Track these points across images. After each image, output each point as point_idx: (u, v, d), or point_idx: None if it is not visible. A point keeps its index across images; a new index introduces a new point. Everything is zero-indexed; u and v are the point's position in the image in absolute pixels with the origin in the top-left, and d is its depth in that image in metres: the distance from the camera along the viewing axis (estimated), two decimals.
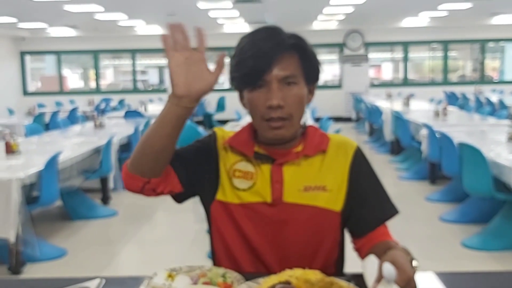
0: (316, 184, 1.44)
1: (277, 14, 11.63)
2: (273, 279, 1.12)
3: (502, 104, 9.95)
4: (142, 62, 17.27)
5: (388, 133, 8.43)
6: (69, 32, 14.00)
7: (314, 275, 1.12)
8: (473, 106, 10.13)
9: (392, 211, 1.49)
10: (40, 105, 12.06)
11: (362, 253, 1.45)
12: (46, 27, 13.23)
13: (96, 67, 15.24)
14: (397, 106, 9.54)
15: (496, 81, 15.70)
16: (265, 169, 1.45)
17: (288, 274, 1.12)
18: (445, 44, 14.69)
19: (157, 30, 13.91)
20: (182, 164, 1.46)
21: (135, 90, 15.20)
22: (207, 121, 13.23)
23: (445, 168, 5.18)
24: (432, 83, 15.42)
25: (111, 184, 5.89)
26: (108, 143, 5.55)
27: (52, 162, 4.23)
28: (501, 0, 10.45)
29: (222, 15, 11.76)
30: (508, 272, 1.76)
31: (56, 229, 5.08)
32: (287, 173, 1.44)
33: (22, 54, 14.77)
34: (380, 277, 1.08)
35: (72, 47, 14.74)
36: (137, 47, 14.73)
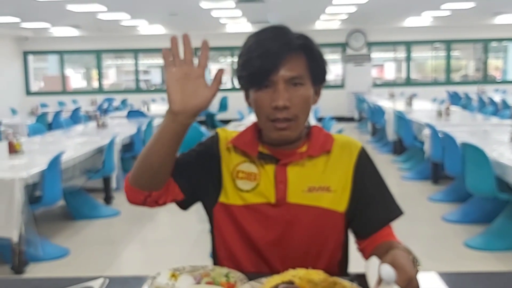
0: (320, 184, 1.44)
1: (280, 14, 11.64)
2: (276, 279, 1.12)
3: (505, 104, 9.93)
4: (145, 62, 17.30)
5: (391, 133, 8.42)
6: (72, 32, 14.02)
7: (317, 275, 1.12)
8: (476, 106, 10.12)
9: (396, 212, 1.49)
10: (43, 105, 12.08)
11: (366, 254, 1.45)
12: (49, 27, 13.26)
13: (99, 67, 15.26)
14: (400, 106, 9.52)
15: (499, 81, 15.67)
16: (269, 169, 1.45)
17: (291, 274, 1.12)
18: (448, 44, 14.67)
19: (160, 30, 13.93)
20: (183, 173, 1.46)
21: (138, 90, 15.22)
22: (210, 121, 13.23)
23: (448, 168, 5.17)
24: (435, 82, 15.40)
25: (113, 184, 5.90)
26: (111, 143, 5.56)
27: (55, 162, 4.24)
28: (504, 0, 10.43)
29: (224, 15, 11.76)
30: (511, 272, 1.75)
31: (59, 228, 5.09)
32: (291, 174, 1.44)
33: (25, 54, 14.79)
34: (380, 279, 1.08)
35: (74, 47, 14.77)
36: (140, 47, 14.75)
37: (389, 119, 8.48)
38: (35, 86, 15.54)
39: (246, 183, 1.45)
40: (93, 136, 6.38)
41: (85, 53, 15.63)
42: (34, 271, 4.02)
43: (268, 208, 1.43)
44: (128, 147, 6.59)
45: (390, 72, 17.38)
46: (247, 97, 1.47)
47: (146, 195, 1.41)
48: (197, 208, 1.58)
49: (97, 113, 8.21)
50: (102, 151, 5.51)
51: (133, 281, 1.38)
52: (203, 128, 6.07)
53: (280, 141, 1.44)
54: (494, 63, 16.41)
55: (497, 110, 9.31)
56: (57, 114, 9.40)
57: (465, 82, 15.25)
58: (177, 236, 4.84)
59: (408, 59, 14.86)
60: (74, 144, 5.66)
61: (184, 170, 1.46)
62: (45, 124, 8.59)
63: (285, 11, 11.28)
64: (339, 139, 1.51)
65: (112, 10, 10.26)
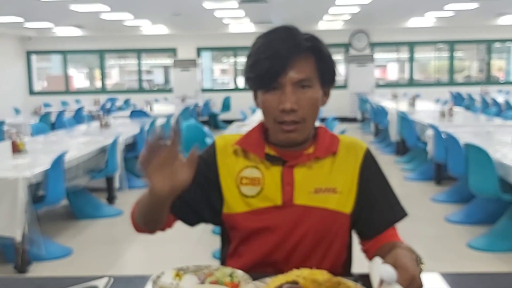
0: (327, 186, 1.43)
1: (283, 14, 11.63)
2: (280, 278, 1.12)
3: (508, 105, 9.92)
4: (148, 62, 17.30)
5: (394, 134, 8.41)
6: (75, 31, 14.04)
7: (321, 275, 1.12)
8: (479, 106, 10.10)
9: (401, 213, 1.49)
10: (46, 105, 12.09)
11: (370, 255, 1.45)
12: (52, 26, 13.28)
13: (102, 67, 15.28)
14: (403, 106, 9.51)
15: (502, 82, 15.63)
16: (275, 171, 1.44)
17: (295, 274, 1.12)
18: (451, 45, 14.66)
19: (163, 30, 13.94)
20: (182, 206, 1.47)
21: (141, 90, 15.24)
22: (212, 121, 13.25)
23: (451, 168, 5.17)
24: (438, 83, 15.38)
25: (116, 184, 5.91)
26: (114, 143, 5.56)
27: (58, 161, 4.24)
28: (507, 0, 10.41)
29: (227, 15, 11.77)
30: None
31: (62, 228, 5.10)
32: (298, 175, 1.43)
33: (28, 53, 14.82)
34: (382, 279, 1.09)
35: (78, 46, 14.79)
36: (143, 47, 14.76)
37: (392, 120, 8.47)
38: (38, 86, 15.56)
39: (251, 189, 1.45)
40: (96, 135, 6.38)
41: (88, 53, 15.65)
42: (37, 270, 4.03)
43: (274, 211, 1.43)
44: (131, 147, 6.60)
45: (393, 73, 17.35)
46: (255, 97, 1.47)
47: (151, 231, 1.48)
48: None
49: (100, 113, 8.21)
50: (105, 151, 5.52)
51: (137, 280, 1.38)
52: (206, 128, 6.07)
53: (287, 143, 1.43)
54: (498, 64, 16.37)
55: (501, 111, 9.28)
56: (60, 114, 9.41)
57: (468, 83, 15.22)
58: (179, 236, 4.83)
59: (411, 59, 14.85)
60: (77, 144, 5.67)
61: (183, 202, 1.46)
62: (48, 123, 8.61)
63: (288, 12, 11.28)
64: (344, 140, 1.51)
65: (115, 10, 10.27)
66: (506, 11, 12.17)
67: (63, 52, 15.04)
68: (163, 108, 10.72)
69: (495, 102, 10.52)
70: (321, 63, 1.41)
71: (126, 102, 13.37)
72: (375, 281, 1.11)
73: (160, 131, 1.24)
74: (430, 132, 6.11)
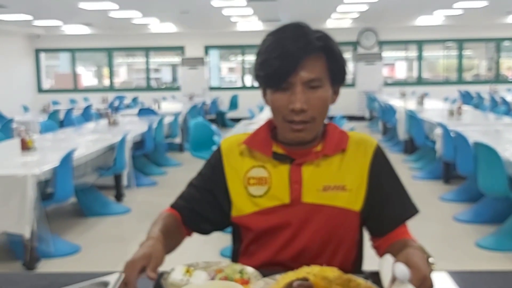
0: (336, 183, 1.42)
1: (291, 12, 11.61)
2: (291, 275, 1.12)
3: None
4: (156, 60, 17.34)
5: (402, 132, 8.39)
6: (84, 29, 14.08)
7: (332, 272, 1.12)
8: (488, 105, 10.05)
9: (412, 210, 1.48)
10: (55, 103, 12.15)
11: (381, 252, 1.44)
12: (61, 24, 13.33)
13: (110, 65, 15.33)
14: (411, 105, 9.47)
15: (511, 80, 15.55)
16: (283, 169, 1.44)
17: (305, 271, 1.12)
18: (460, 43, 14.59)
19: (171, 28, 13.95)
20: (194, 217, 1.52)
21: (149, 88, 15.27)
22: (220, 119, 13.26)
23: (460, 167, 5.14)
24: (447, 82, 15.31)
25: (124, 181, 5.93)
26: (122, 141, 5.58)
27: (67, 159, 4.26)
28: None
29: (235, 13, 11.76)
30: None
31: (70, 225, 5.12)
32: (306, 173, 1.43)
33: (37, 51, 14.88)
34: (395, 277, 1.08)
35: (86, 44, 14.84)
36: (151, 45, 14.79)
37: (400, 118, 8.45)
38: (46, 84, 15.63)
39: (258, 189, 1.44)
40: (105, 133, 6.40)
41: (97, 51, 15.70)
42: (46, 267, 4.05)
43: (283, 209, 1.42)
44: (139, 145, 6.62)
45: (401, 71, 17.29)
46: (264, 95, 1.46)
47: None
48: None
49: (108, 110, 8.24)
50: (113, 148, 5.53)
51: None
52: (213, 126, 6.07)
53: (296, 142, 1.43)
54: (507, 63, 16.27)
55: (509, 109, 9.24)
56: (69, 112, 9.45)
57: (477, 81, 15.15)
58: None
59: (420, 58, 14.79)
60: (86, 142, 5.70)
61: (196, 214, 1.51)
62: (57, 121, 8.65)
63: (296, 10, 11.26)
64: (354, 137, 1.50)
65: (124, 8, 10.29)
66: None
67: (72, 50, 15.09)
68: (170, 106, 10.73)
69: (504, 101, 10.46)
70: (332, 62, 1.39)
71: (134, 100, 13.40)
72: (385, 278, 1.11)
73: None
74: (438, 131, 6.08)
